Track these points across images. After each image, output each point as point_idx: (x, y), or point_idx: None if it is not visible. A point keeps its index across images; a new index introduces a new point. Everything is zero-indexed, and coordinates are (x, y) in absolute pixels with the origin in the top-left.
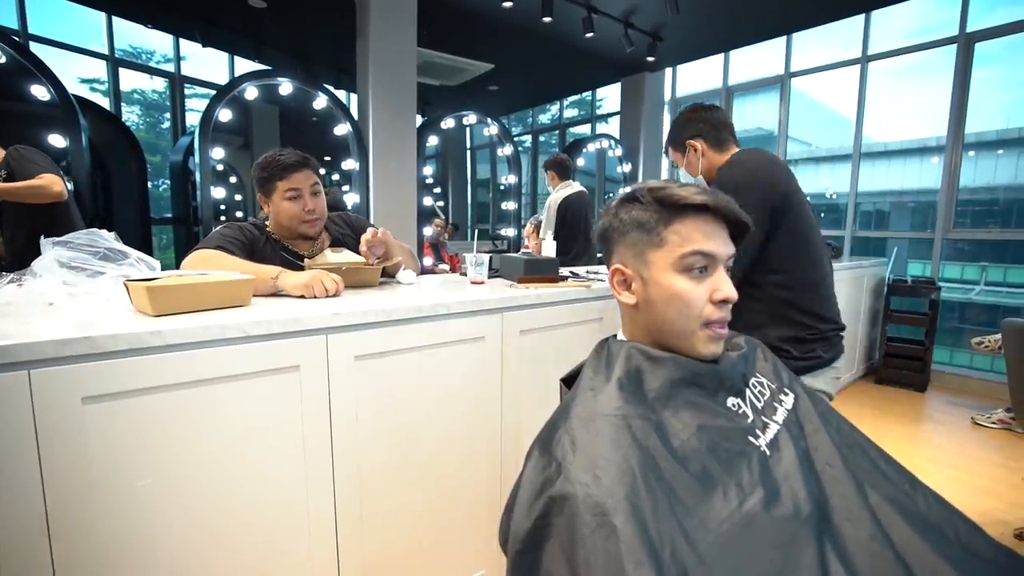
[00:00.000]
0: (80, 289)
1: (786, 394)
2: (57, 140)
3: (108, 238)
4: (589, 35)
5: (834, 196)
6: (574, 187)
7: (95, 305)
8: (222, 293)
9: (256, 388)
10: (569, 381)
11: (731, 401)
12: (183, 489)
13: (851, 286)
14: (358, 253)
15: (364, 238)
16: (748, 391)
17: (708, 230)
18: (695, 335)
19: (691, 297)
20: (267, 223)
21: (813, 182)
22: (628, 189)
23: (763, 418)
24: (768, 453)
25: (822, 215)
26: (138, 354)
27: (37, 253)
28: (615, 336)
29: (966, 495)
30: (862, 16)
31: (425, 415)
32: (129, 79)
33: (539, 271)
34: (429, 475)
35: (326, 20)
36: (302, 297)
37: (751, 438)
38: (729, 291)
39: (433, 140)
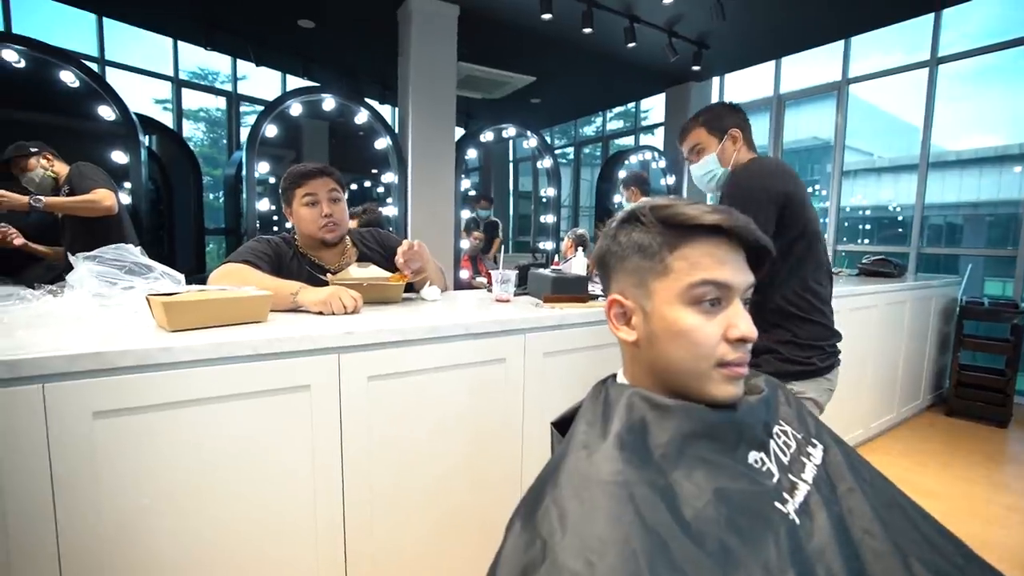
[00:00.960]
0: (112, 301)
1: (814, 446)
2: (119, 156)
3: (135, 252)
4: (631, 45)
5: (897, 209)
6: None
7: (122, 318)
8: (239, 309)
9: (266, 408)
10: (561, 426)
11: (753, 456)
12: (189, 507)
13: (917, 307)
14: (386, 269)
15: (400, 249)
16: (772, 443)
17: (721, 255)
18: (707, 377)
19: (701, 335)
20: (295, 236)
21: (874, 194)
22: (629, 208)
23: (790, 476)
24: (798, 522)
25: (879, 230)
26: (148, 370)
27: None
28: (614, 377)
29: None
30: (930, 16)
31: (440, 439)
32: (195, 99)
33: (567, 290)
34: (442, 501)
35: (370, 37)
36: (320, 313)
37: (778, 504)
38: (748, 329)
39: (472, 153)
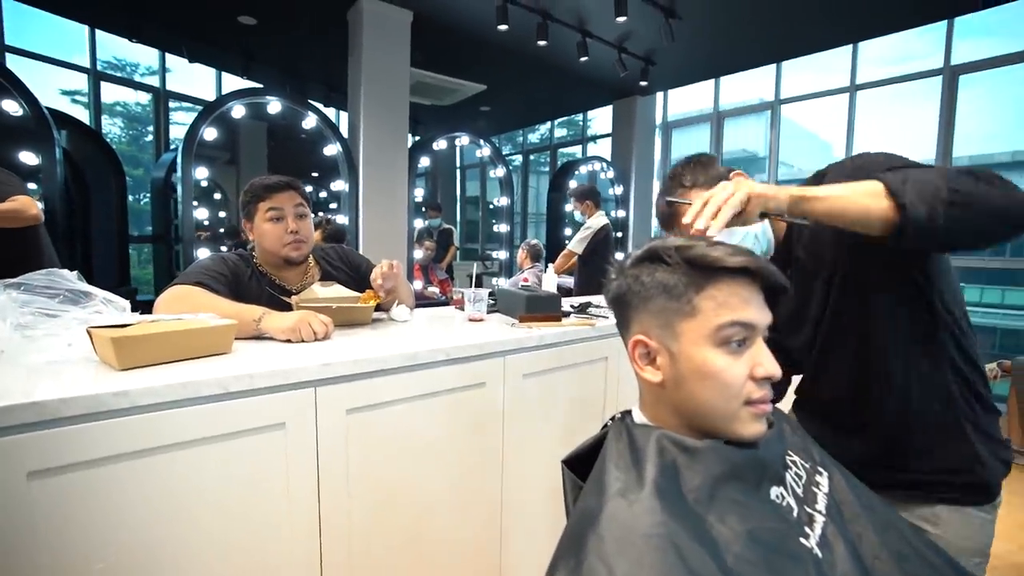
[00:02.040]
0: (38, 332)
1: (821, 474)
2: (29, 157)
3: (70, 278)
4: (583, 59)
5: None
6: (604, 217)
7: (54, 352)
8: (199, 341)
9: (237, 450)
10: (572, 464)
11: (775, 492)
12: (152, 567)
13: None
14: (350, 288)
15: (380, 271)
16: (788, 476)
17: (746, 296)
18: (736, 416)
19: (730, 375)
20: (254, 253)
21: None
22: (646, 247)
23: (806, 509)
24: (821, 556)
25: None
26: (98, 419)
27: (8, 277)
28: (630, 414)
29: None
30: (850, 46)
31: (420, 470)
32: (112, 91)
33: (542, 308)
34: (422, 534)
35: (317, 37)
36: (288, 341)
37: (802, 539)
38: (772, 368)
39: (424, 161)
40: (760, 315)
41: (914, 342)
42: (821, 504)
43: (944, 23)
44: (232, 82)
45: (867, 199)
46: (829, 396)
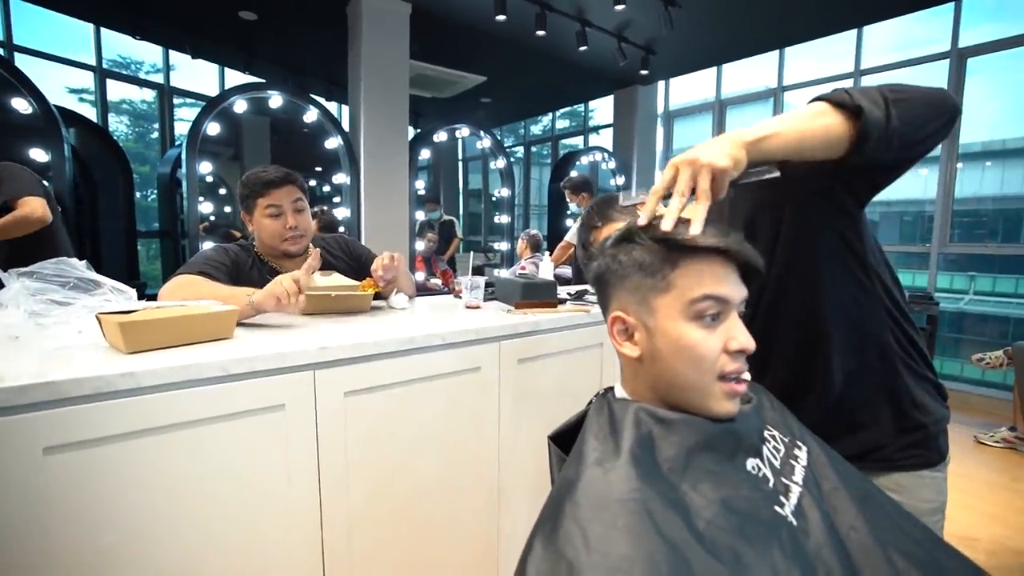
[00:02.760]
0: (50, 320)
1: (799, 447)
2: (39, 154)
3: (79, 267)
4: (582, 49)
5: None
6: None
7: (65, 338)
8: (203, 326)
9: (239, 430)
10: (559, 439)
11: (751, 463)
12: (157, 542)
13: None
14: (349, 278)
15: (381, 263)
16: (765, 448)
17: (720, 272)
18: (709, 391)
19: (704, 348)
20: (254, 243)
21: None
22: (624, 228)
23: (783, 479)
24: (795, 523)
25: None
26: (107, 398)
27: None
28: (612, 390)
29: (975, 521)
30: (854, 31)
31: (417, 451)
32: (118, 89)
33: (537, 295)
34: (419, 514)
35: (317, 32)
36: (279, 303)
37: (777, 508)
38: (746, 341)
39: (426, 153)
40: (734, 290)
41: (853, 296)
42: (798, 476)
43: (951, 5)
44: (235, 78)
45: (818, 119)
46: (777, 365)
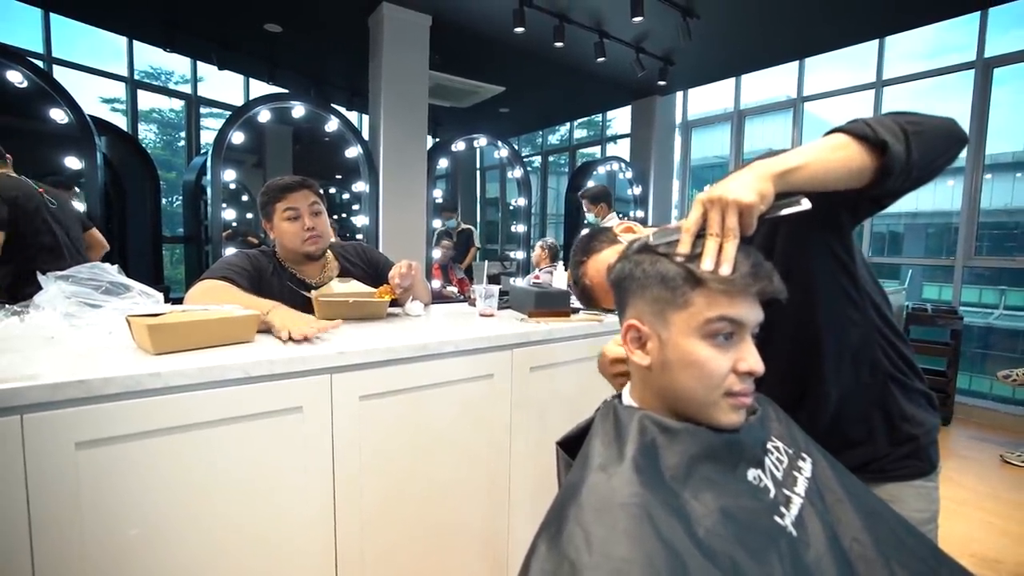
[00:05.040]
0: (83, 321)
1: (804, 459)
2: (73, 162)
3: (111, 271)
4: (601, 60)
5: None
6: (617, 219)
7: (96, 339)
8: (225, 330)
9: (258, 431)
10: (567, 445)
11: (752, 474)
12: (181, 535)
13: None
14: (367, 284)
15: (399, 271)
16: (767, 459)
17: (739, 296)
18: (715, 405)
19: (713, 367)
20: (275, 250)
21: None
22: (644, 236)
23: (784, 491)
24: (795, 534)
25: None
26: (135, 397)
27: (26, 287)
28: (619, 398)
29: (1000, 542)
30: (876, 41)
31: (429, 456)
32: (148, 99)
33: (551, 304)
34: (431, 519)
35: (340, 43)
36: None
37: (776, 518)
38: (755, 364)
39: (444, 162)
40: (750, 313)
41: (845, 314)
42: (801, 488)
43: (977, 15)
44: (259, 88)
45: (839, 152)
46: (772, 381)
